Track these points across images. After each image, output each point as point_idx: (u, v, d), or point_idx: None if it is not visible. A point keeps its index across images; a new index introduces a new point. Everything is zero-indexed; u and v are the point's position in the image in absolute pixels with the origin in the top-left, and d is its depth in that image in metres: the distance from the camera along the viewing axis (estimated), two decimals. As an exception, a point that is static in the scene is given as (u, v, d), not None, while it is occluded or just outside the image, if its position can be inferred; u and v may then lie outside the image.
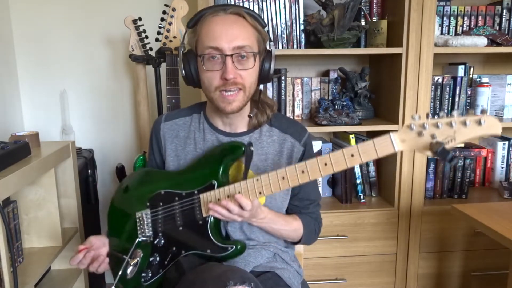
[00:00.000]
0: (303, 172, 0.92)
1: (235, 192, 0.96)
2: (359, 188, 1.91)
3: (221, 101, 1.01)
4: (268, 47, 1.06)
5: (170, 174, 1.09)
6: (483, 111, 0.83)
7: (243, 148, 1.00)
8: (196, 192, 1.01)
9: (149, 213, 1.06)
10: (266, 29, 1.05)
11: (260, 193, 0.95)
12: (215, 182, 1.00)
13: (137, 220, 1.07)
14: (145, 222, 1.06)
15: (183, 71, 1.05)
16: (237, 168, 1.06)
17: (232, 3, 1.75)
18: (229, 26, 0.98)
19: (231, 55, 0.97)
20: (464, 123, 0.82)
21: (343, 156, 0.89)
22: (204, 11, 1.03)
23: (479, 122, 0.81)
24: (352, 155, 0.88)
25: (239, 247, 1.00)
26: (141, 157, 1.63)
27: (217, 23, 0.99)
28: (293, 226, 1.10)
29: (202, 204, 1.00)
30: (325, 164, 0.90)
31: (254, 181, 0.95)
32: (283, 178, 0.93)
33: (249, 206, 0.93)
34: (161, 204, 1.05)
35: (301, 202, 1.14)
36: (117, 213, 1.13)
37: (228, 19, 1.00)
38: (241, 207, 0.94)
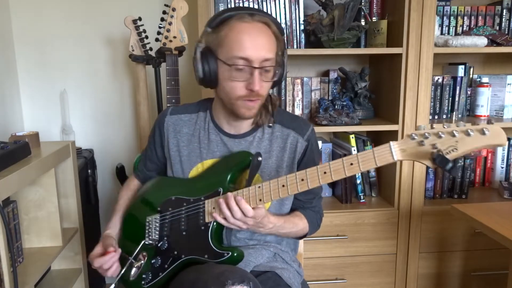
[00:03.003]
0: (302, 180, 0.93)
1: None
2: (359, 188, 1.91)
3: (242, 106, 1.01)
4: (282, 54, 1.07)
5: (183, 181, 1.12)
6: (488, 121, 0.79)
7: (250, 158, 1.02)
8: (202, 198, 1.04)
9: (158, 217, 1.10)
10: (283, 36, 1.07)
11: (260, 200, 0.97)
12: (221, 189, 1.02)
13: (147, 223, 1.11)
14: (153, 226, 1.10)
15: (200, 72, 1.02)
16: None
17: (232, 3, 1.75)
18: (257, 36, 0.98)
19: (259, 68, 0.97)
20: (467, 133, 0.79)
21: (343, 165, 0.90)
22: (228, 12, 1.00)
23: (482, 132, 0.78)
24: (351, 164, 0.89)
25: (235, 254, 1.01)
26: (141, 157, 1.62)
27: (245, 32, 0.97)
28: (300, 227, 1.12)
29: (206, 210, 1.03)
30: (325, 173, 0.91)
31: (256, 188, 0.97)
32: (283, 185, 0.95)
33: (251, 212, 0.94)
34: (170, 209, 1.09)
35: (306, 196, 1.14)
36: (131, 218, 1.17)
37: (255, 27, 0.98)
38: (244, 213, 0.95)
